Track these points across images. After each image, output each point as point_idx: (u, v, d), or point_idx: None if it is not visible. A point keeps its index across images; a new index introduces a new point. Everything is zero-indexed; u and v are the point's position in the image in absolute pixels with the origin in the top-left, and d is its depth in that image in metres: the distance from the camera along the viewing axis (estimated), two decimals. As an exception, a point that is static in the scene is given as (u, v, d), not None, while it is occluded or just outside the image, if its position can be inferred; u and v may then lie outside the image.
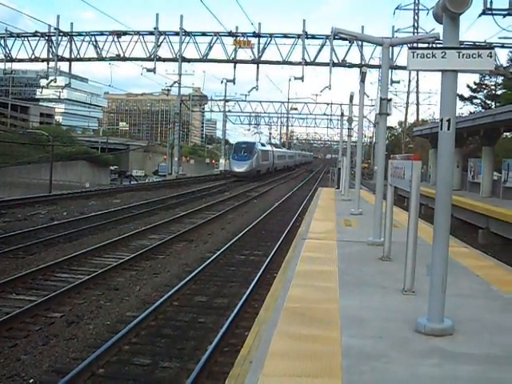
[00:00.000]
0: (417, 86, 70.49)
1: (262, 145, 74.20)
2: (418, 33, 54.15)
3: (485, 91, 61.84)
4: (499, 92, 59.71)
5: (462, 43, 6.83)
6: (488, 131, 30.08)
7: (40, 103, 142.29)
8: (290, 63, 46.25)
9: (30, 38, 47.70)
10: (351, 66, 45.27)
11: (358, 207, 18.43)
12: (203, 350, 8.77)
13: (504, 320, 6.78)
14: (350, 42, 43.07)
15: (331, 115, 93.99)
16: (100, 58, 48.10)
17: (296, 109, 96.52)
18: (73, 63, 48.81)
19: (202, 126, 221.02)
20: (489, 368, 5.21)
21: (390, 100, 12.47)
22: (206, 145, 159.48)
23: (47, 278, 13.62)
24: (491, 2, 33.66)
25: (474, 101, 62.21)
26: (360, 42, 42.75)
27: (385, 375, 4.96)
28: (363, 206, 18.92)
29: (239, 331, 9.81)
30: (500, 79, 57.23)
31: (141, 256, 16.21)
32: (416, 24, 59.07)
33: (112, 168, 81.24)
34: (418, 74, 66.20)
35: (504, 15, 34.52)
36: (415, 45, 12.65)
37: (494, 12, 34.17)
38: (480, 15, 34.28)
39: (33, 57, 47.94)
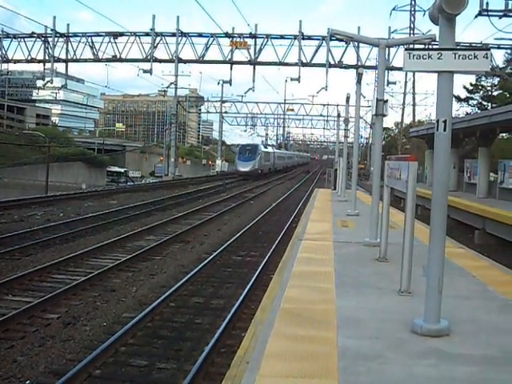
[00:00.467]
0: (413, 87, 70.69)
1: (265, 147, 79.33)
2: (414, 34, 54.23)
3: (481, 92, 61.86)
4: (495, 93, 59.75)
5: (458, 44, 6.85)
6: (484, 132, 30.11)
7: (36, 104, 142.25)
8: (287, 64, 46.39)
9: (26, 39, 47.80)
10: (347, 67, 45.43)
11: (355, 208, 18.45)
12: (200, 351, 8.76)
13: (500, 321, 6.79)
14: (346, 43, 43.21)
15: (328, 116, 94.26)
16: (96, 59, 48.17)
17: (292, 110, 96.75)
18: (69, 64, 48.95)
19: (199, 127, 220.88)
20: (485, 369, 5.22)
21: (387, 101, 12.50)
22: (202, 146, 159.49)
23: (44, 279, 13.59)
24: (487, 3, 33.77)
25: (470, 102, 62.25)
26: (356, 43, 42.90)
27: (381, 376, 4.97)
28: (360, 206, 18.95)
29: (236, 332, 9.80)
30: (496, 80, 57.31)
31: (137, 257, 16.19)
32: (412, 25, 59.14)
33: (111, 169, 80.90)
34: (414, 75, 66.26)
35: (500, 16, 34.61)
36: (411, 46, 12.67)
37: (490, 13, 34.26)
38: (476, 16, 34.38)
39: (29, 58, 48.01)
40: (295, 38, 45.17)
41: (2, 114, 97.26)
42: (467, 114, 56.32)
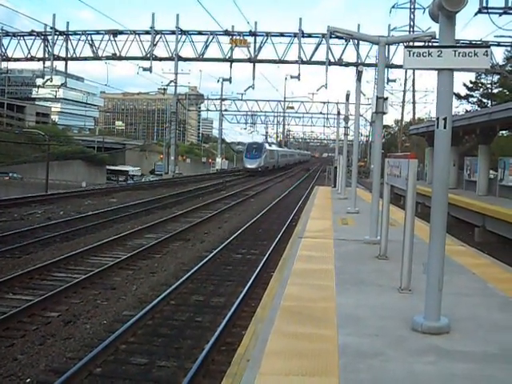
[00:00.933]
0: (413, 85, 70.49)
1: (269, 145, 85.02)
2: (414, 31, 54.08)
3: (481, 90, 61.87)
4: (495, 90, 59.78)
5: (458, 42, 6.83)
6: (484, 130, 30.11)
7: (36, 102, 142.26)
8: (286, 62, 46.36)
9: (25, 38, 47.74)
10: (347, 64, 45.39)
11: (355, 206, 18.45)
12: (200, 349, 8.77)
13: (501, 318, 6.79)
14: (346, 41, 43.22)
15: (327, 114, 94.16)
16: (96, 57, 48.14)
17: (292, 107, 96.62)
18: (69, 62, 48.88)
19: (199, 125, 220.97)
20: (485, 366, 5.22)
21: (387, 99, 12.49)
22: (202, 144, 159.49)
23: (44, 277, 13.59)
24: (487, 1, 33.81)
25: (470, 99, 62.26)
26: (356, 41, 42.91)
27: (381, 373, 4.97)
28: (360, 204, 18.95)
29: (236, 330, 9.80)
30: (496, 78, 57.30)
31: (137, 255, 16.20)
32: (412, 23, 58.93)
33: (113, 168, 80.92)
34: (414, 73, 66.31)
35: (500, 14, 34.62)
36: (411, 43, 12.67)
37: (489, 10, 34.27)
38: (476, 14, 34.39)
39: (29, 56, 47.97)
40: (295, 36, 45.15)
41: (2, 112, 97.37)
42: (467, 111, 56.41)
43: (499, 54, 49.94)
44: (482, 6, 33.96)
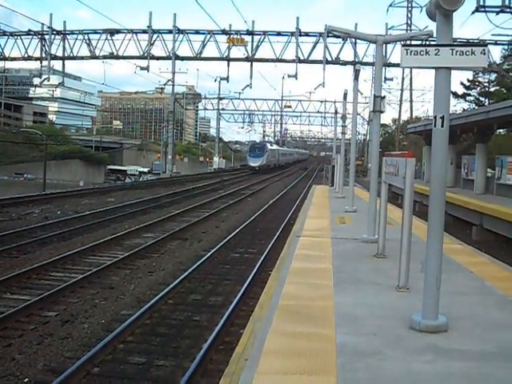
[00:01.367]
0: (410, 84, 70.50)
1: (271, 145, 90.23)
2: (411, 30, 54.13)
3: (478, 88, 61.90)
4: (492, 89, 59.79)
5: (455, 40, 6.85)
6: (481, 128, 30.12)
7: (33, 102, 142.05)
8: (284, 61, 46.37)
9: (23, 37, 47.69)
10: (345, 63, 45.41)
11: (352, 204, 18.46)
12: (198, 349, 8.77)
13: (498, 316, 6.79)
14: (343, 40, 43.24)
15: (325, 113, 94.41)
16: (93, 57, 48.12)
17: (290, 106, 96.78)
18: (66, 62, 48.87)
19: (196, 124, 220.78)
20: (483, 364, 5.22)
21: (384, 97, 12.49)
22: (199, 143, 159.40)
23: (41, 277, 13.59)
24: (484, 0, 33.76)
25: (468, 98, 62.26)
26: (353, 40, 42.96)
27: (379, 372, 4.97)
28: (357, 203, 18.95)
29: (234, 329, 9.80)
30: (493, 76, 57.32)
31: (135, 254, 16.19)
32: (409, 21, 59.06)
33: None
34: (411, 72, 66.35)
35: (497, 12, 34.63)
36: (409, 42, 12.69)
37: (486, 9, 34.29)
38: (473, 12, 34.42)
39: (26, 55, 47.94)
40: (292, 35, 45.15)
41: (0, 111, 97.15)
42: (464, 110, 56.38)
43: (496, 53, 50.25)
44: (479, 4, 33.98)
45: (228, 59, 47.25)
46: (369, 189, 13.82)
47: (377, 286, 8.13)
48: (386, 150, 48.11)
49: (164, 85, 65.27)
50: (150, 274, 14.35)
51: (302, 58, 45.41)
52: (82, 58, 48.63)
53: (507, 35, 43.07)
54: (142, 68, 48.77)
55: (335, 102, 73.82)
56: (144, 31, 47.28)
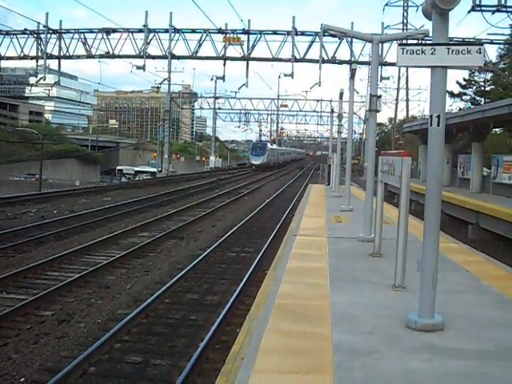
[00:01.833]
0: (406, 83, 70.60)
1: (271, 144, 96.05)
2: (407, 29, 54.22)
3: (474, 87, 61.96)
4: (488, 88, 59.83)
5: (451, 39, 6.86)
6: (477, 127, 30.15)
7: (29, 101, 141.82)
8: (280, 60, 46.30)
9: (18, 36, 47.52)
10: (341, 62, 45.36)
11: (349, 204, 18.47)
12: (194, 348, 8.77)
13: (494, 315, 6.80)
14: (339, 39, 43.15)
15: (321, 112, 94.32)
16: (89, 56, 48.00)
17: (286, 106, 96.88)
18: (62, 61, 48.69)
19: (192, 124, 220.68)
20: (480, 363, 5.23)
21: (380, 96, 12.51)
22: (196, 142, 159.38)
23: (38, 276, 13.57)
24: (480, -1, 33.81)
25: (464, 97, 62.32)
26: (350, 39, 42.91)
27: (376, 371, 4.98)
28: (353, 202, 18.97)
29: (230, 328, 9.80)
30: (489, 75, 57.39)
31: (131, 254, 16.18)
32: (405, 20, 59.18)
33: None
34: (407, 71, 66.39)
35: (493, 12, 34.66)
36: (405, 41, 12.69)
37: (482, 8, 34.31)
38: (469, 12, 34.44)
39: (22, 54, 47.76)
40: (288, 34, 45.09)
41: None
42: (460, 109, 56.40)
43: (492, 52, 50.28)
44: (474, 3, 34.00)
45: (224, 58, 47.19)
46: (365, 188, 13.84)
47: (373, 284, 8.14)
48: (382, 149, 48.12)
49: (160, 84, 65.27)
50: (147, 274, 14.35)
51: (298, 57, 45.36)
52: (78, 57, 48.52)
53: (503, 34, 43.20)
54: (138, 67, 48.69)
55: (331, 101, 74.09)
56: (140, 30, 47.18)
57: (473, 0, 33.88)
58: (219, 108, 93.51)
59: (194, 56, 47.65)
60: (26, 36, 47.57)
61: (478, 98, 60.51)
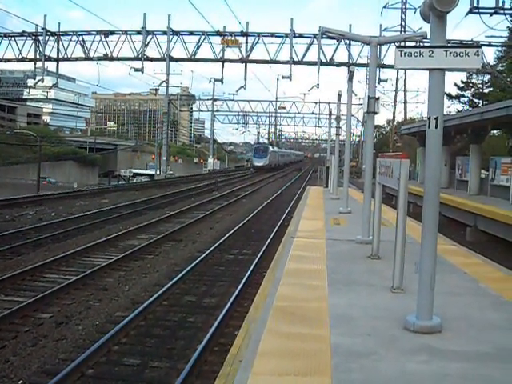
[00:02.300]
0: (404, 85, 70.58)
1: (272, 147, 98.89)
2: (405, 31, 54.22)
3: (472, 90, 61.95)
4: (486, 90, 59.87)
5: (449, 42, 6.85)
6: (475, 129, 30.18)
7: (27, 103, 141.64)
8: (278, 62, 46.34)
9: (16, 38, 47.53)
10: (339, 64, 45.40)
11: (347, 206, 18.47)
12: (193, 350, 8.77)
13: (493, 317, 6.81)
14: (337, 41, 43.22)
15: (319, 114, 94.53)
16: (87, 58, 48.01)
17: (284, 108, 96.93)
18: (60, 63, 48.72)
19: (190, 126, 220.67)
20: (478, 365, 5.24)
21: (378, 99, 12.51)
22: (194, 144, 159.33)
23: (36, 278, 13.56)
24: (478, 1, 33.93)
25: (462, 99, 62.32)
26: (348, 41, 42.90)
27: (374, 373, 4.98)
28: (352, 204, 18.97)
29: (229, 330, 9.80)
30: (487, 77, 57.43)
31: (129, 256, 16.18)
32: (403, 23, 59.20)
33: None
34: (405, 73, 66.48)
35: (491, 14, 34.72)
36: (403, 43, 12.71)
37: (480, 11, 34.38)
38: (467, 14, 34.49)
39: (20, 57, 47.77)
40: (286, 36, 45.13)
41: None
42: (458, 111, 56.47)
43: (490, 54, 50.40)
44: (472, 6, 34.06)
45: (222, 60, 47.22)
46: (363, 190, 13.84)
47: (371, 287, 8.14)
48: (381, 151, 48.22)
49: (158, 86, 65.23)
50: (145, 276, 14.34)
51: (296, 59, 45.40)
52: (76, 59, 48.52)
53: (501, 36, 43.24)
54: (136, 69, 48.69)
55: (329, 103, 73.81)
56: (138, 32, 47.20)
57: (471, 2, 33.95)
58: (217, 110, 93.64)
59: (192, 58, 47.67)
60: (24, 38, 47.58)
61: (476, 100, 60.54)
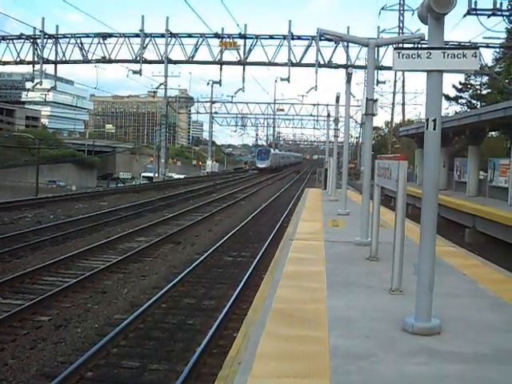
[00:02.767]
0: (402, 86, 70.54)
1: (274, 150, 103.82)
2: (403, 33, 54.28)
3: (470, 91, 61.99)
4: (484, 92, 59.90)
5: (446, 43, 6.85)
6: (474, 131, 30.20)
7: (26, 106, 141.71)
8: (276, 64, 46.30)
9: (15, 41, 47.47)
10: (337, 66, 45.39)
11: (345, 207, 18.47)
12: (192, 352, 8.76)
13: (491, 319, 6.80)
14: (335, 43, 43.16)
15: (317, 116, 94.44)
16: (86, 61, 47.95)
17: (282, 110, 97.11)
18: (58, 66, 48.65)
19: (189, 128, 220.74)
20: (477, 366, 5.24)
21: (376, 100, 12.51)
22: (192, 146, 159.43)
23: (34, 281, 13.55)
24: (475, 3, 33.88)
25: (460, 101, 62.34)
26: (346, 43, 42.86)
27: (373, 375, 4.98)
28: (350, 206, 18.96)
29: (227, 333, 9.80)
30: (485, 79, 57.47)
31: (128, 258, 16.16)
32: (401, 24, 59.21)
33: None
34: (403, 74, 66.34)
35: (488, 15, 34.73)
36: (401, 45, 12.70)
37: (478, 12, 34.38)
38: (465, 15, 34.49)
39: (18, 59, 47.72)
40: (284, 38, 45.12)
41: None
42: (457, 112, 56.48)
43: (488, 56, 50.49)
44: (470, 7, 34.06)
45: (220, 63, 47.20)
46: (361, 192, 13.84)
47: (370, 288, 8.14)
48: (379, 152, 48.25)
49: (156, 88, 65.26)
50: (144, 278, 14.33)
51: (294, 61, 45.38)
52: (75, 62, 48.49)
53: (499, 38, 43.28)
54: (134, 72, 48.66)
55: (328, 105, 73.85)
56: (136, 35, 47.16)
57: (468, 4, 33.96)
58: (216, 112, 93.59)
59: (190, 60, 47.65)
60: (22, 41, 47.52)
61: (474, 102, 60.56)
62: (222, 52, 46.51)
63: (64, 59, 47.85)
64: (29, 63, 48.27)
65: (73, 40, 47.48)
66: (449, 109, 62.15)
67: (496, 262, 11.11)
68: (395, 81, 68.78)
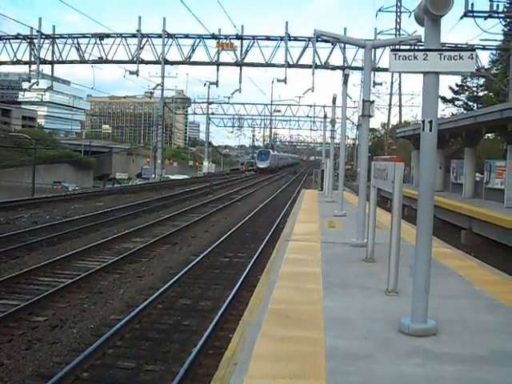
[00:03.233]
0: (399, 88, 70.80)
1: (273, 151, 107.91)
2: (400, 35, 54.36)
3: (467, 93, 62.18)
4: (481, 94, 60.10)
5: (443, 45, 6.87)
6: (470, 132, 30.23)
7: (22, 106, 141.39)
8: (273, 65, 46.42)
9: (12, 41, 47.51)
10: (334, 68, 45.50)
11: (342, 209, 18.47)
12: (188, 353, 8.76)
13: (487, 320, 6.81)
14: (332, 44, 43.23)
15: (314, 117, 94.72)
16: (82, 61, 48.01)
17: (279, 111, 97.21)
18: (55, 66, 48.72)
19: (186, 129, 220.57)
20: (473, 368, 5.23)
21: (373, 102, 12.52)
22: (189, 147, 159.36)
23: (30, 281, 13.53)
24: (472, 5, 34.06)
25: (456, 102, 62.52)
26: (342, 44, 42.97)
27: (369, 376, 4.97)
28: (346, 207, 18.97)
29: (224, 333, 9.80)
30: (482, 81, 57.61)
31: (124, 259, 16.15)
32: (398, 26, 59.33)
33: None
34: (400, 76, 66.48)
35: (485, 17, 34.87)
36: (397, 47, 12.72)
37: (475, 14, 34.52)
38: (461, 17, 34.67)
39: (15, 59, 47.74)
40: (281, 40, 45.22)
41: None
42: (453, 114, 56.58)
43: (485, 58, 50.47)
44: (467, 9, 34.19)
45: (217, 64, 47.28)
46: (358, 193, 13.85)
47: (366, 289, 8.13)
48: (375, 154, 48.21)
49: (153, 89, 65.32)
50: (140, 279, 14.32)
51: (291, 62, 45.49)
52: (72, 62, 48.52)
53: (495, 40, 43.41)
54: (131, 72, 48.74)
55: (324, 106, 74.10)
56: (133, 35, 47.23)
57: (465, 6, 34.08)
58: (212, 113, 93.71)
59: (187, 61, 47.74)
60: (19, 41, 47.56)
61: (470, 104, 60.73)
62: (219, 53, 46.61)
63: (61, 59, 47.90)
64: (25, 63, 48.31)
65: (70, 40, 47.56)
66: (445, 111, 62.30)
67: (492, 264, 11.11)
68: (392, 82, 68.94)
